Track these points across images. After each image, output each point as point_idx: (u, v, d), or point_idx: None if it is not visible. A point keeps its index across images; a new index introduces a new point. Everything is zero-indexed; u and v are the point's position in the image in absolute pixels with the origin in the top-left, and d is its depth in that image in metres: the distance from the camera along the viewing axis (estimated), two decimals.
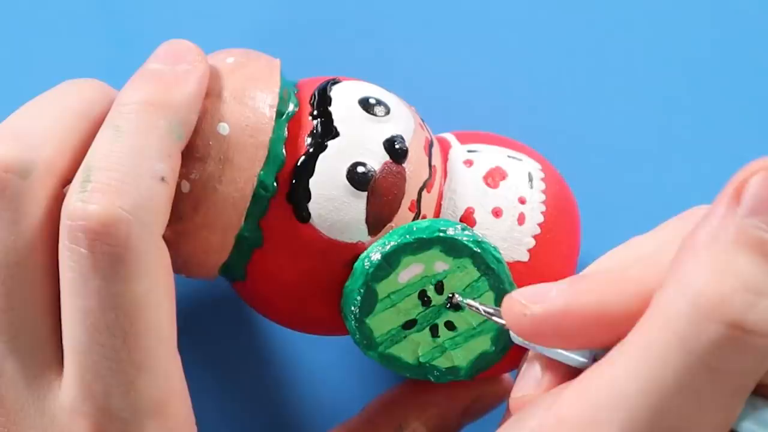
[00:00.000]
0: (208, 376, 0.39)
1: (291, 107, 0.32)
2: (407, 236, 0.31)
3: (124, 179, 0.28)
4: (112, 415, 0.28)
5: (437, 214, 0.32)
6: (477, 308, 0.31)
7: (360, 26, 0.39)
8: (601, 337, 0.27)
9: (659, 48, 0.40)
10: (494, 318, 0.30)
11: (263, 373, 0.39)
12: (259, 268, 0.32)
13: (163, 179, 0.29)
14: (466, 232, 0.31)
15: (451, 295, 0.32)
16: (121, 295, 0.28)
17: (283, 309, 0.33)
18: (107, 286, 0.28)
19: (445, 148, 0.34)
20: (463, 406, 0.35)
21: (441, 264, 0.31)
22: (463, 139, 0.35)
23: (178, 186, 0.31)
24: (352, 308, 0.31)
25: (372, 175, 0.31)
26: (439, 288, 0.32)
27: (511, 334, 0.29)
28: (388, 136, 0.32)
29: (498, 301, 0.31)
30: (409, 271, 0.31)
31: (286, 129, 0.32)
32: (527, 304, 0.28)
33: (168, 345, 0.29)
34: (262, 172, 0.31)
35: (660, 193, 0.40)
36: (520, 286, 0.32)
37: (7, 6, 0.41)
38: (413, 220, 0.32)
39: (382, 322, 0.32)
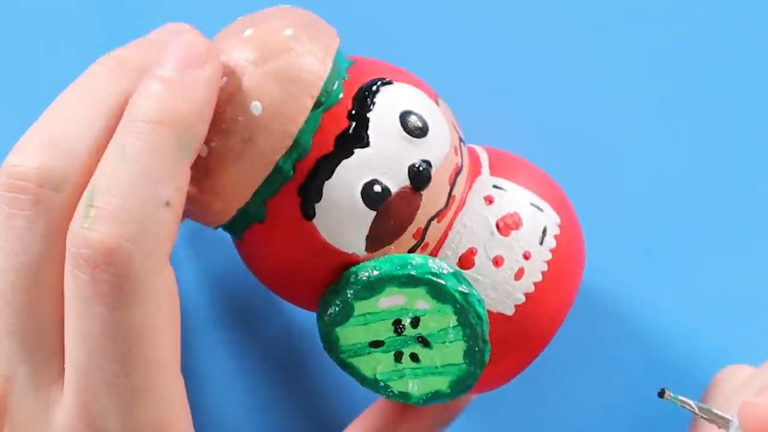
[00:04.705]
0: (219, 376, 0.39)
1: (332, 98, 0.31)
2: (399, 269, 0.31)
3: (126, 206, 0.28)
4: None
5: (441, 242, 0.32)
6: (691, 407, 0.32)
7: (361, 22, 0.38)
8: None
9: (667, 52, 0.40)
10: (714, 421, 0.31)
11: (268, 373, 0.39)
12: (255, 238, 0.32)
13: (168, 204, 0.28)
14: (457, 283, 0.31)
15: (661, 390, 0.32)
16: (120, 322, 0.28)
17: (268, 280, 0.33)
18: (108, 313, 0.28)
19: (474, 173, 0.33)
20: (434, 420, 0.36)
21: (423, 303, 0.31)
22: (495, 165, 0.34)
23: None
24: (327, 313, 0.32)
25: (386, 196, 0.31)
26: (415, 322, 0.32)
27: None
28: (416, 161, 0.31)
29: (467, 352, 0.32)
30: (391, 300, 0.31)
31: (320, 119, 0.31)
32: None
33: (168, 370, 0.29)
34: (281, 159, 0.31)
35: (660, 194, 0.40)
36: (495, 338, 0.32)
37: (7, 5, 0.40)
38: (415, 246, 0.32)
39: (350, 335, 0.32)
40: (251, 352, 0.39)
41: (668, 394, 0.32)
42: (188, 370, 0.38)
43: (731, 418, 0.31)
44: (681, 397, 0.32)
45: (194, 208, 0.32)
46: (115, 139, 0.29)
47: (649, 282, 0.39)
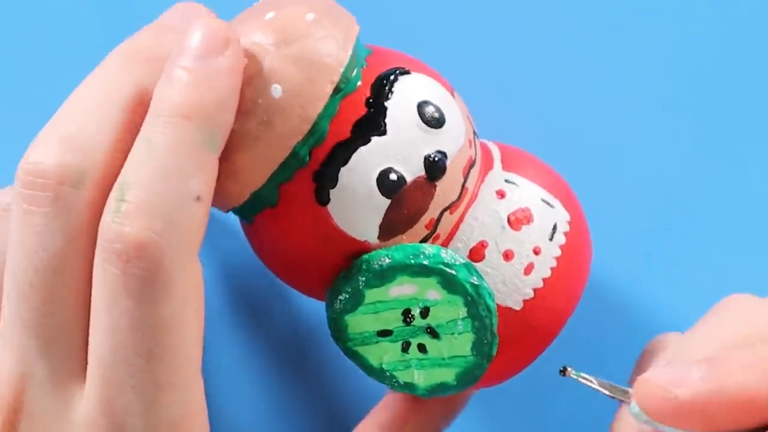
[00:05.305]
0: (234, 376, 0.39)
1: (351, 85, 0.31)
2: (411, 258, 0.31)
3: (157, 201, 0.28)
4: (127, 431, 0.28)
5: (452, 235, 0.32)
6: (592, 383, 0.31)
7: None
8: (747, 420, 0.28)
9: (672, 50, 0.40)
10: (616, 396, 0.31)
11: (275, 373, 0.39)
12: (266, 222, 0.32)
13: (198, 198, 0.28)
14: (469, 274, 0.31)
15: (563, 368, 0.32)
16: (148, 316, 0.28)
17: (276, 266, 0.33)
18: (136, 307, 0.27)
19: (486, 167, 0.33)
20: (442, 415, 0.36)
21: (434, 293, 0.31)
22: (506, 160, 0.34)
23: None
24: (337, 300, 0.32)
25: (401, 185, 0.31)
26: (425, 312, 0.32)
27: (634, 412, 0.30)
28: (432, 151, 0.31)
29: (475, 344, 0.32)
30: (401, 289, 0.31)
31: (338, 106, 0.31)
32: (670, 389, 0.29)
33: (191, 366, 0.29)
34: (298, 144, 0.30)
35: (664, 191, 0.40)
36: (502, 332, 0.32)
37: (7, 5, 0.40)
38: (426, 236, 0.32)
39: (359, 323, 0.32)
40: (260, 347, 0.39)
41: (570, 371, 0.32)
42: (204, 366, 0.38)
43: (632, 392, 0.30)
44: (582, 374, 0.31)
45: None
46: (142, 132, 0.29)
47: (652, 278, 0.39)
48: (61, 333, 0.29)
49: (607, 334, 0.39)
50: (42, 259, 0.29)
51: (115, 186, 0.28)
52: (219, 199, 0.32)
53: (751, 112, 0.40)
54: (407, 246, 0.31)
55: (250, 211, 0.32)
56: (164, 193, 0.28)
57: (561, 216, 0.33)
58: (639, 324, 0.39)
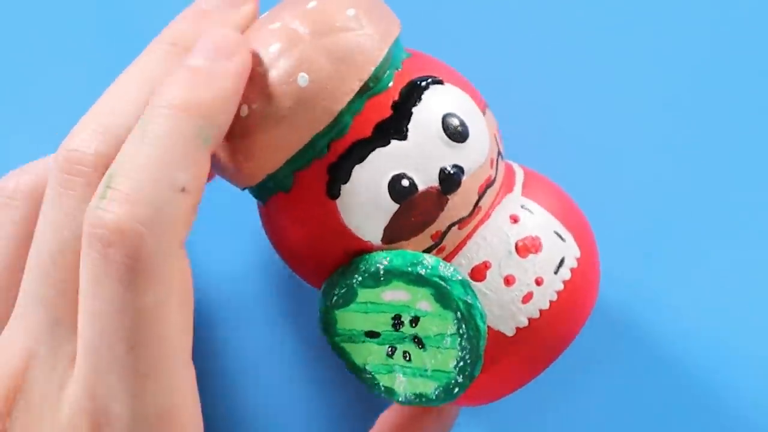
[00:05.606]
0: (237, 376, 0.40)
1: (381, 85, 0.31)
2: (409, 266, 0.31)
3: (142, 189, 0.28)
4: (112, 418, 0.28)
5: (458, 250, 0.32)
6: None
7: None
8: None
9: (673, 54, 0.40)
10: None
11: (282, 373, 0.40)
12: (278, 206, 0.32)
13: (183, 189, 0.29)
14: (464, 292, 0.31)
15: None
16: (130, 302, 0.28)
17: (282, 249, 0.33)
18: (117, 293, 0.28)
19: (506, 190, 0.33)
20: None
21: (426, 304, 0.31)
22: (528, 185, 0.34)
23: (239, 108, 0.31)
24: (330, 293, 0.32)
25: (411, 192, 0.31)
26: (414, 322, 0.32)
27: None
28: (449, 164, 0.31)
29: (459, 362, 0.32)
30: (395, 294, 0.32)
31: (364, 104, 0.31)
32: None
33: (178, 356, 0.29)
34: (318, 135, 0.31)
35: (661, 195, 0.39)
36: (491, 355, 0.32)
37: (6, 4, 0.40)
38: (431, 248, 0.32)
39: (348, 320, 0.32)
40: (279, 347, 0.40)
41: None
42: (212, 368, 0.38)
43: None
44: None
45: (225, 166, 0.32)
46: (139, 123, 0.29)
47: (652, 278, 0.39)
48: (67, 316, 0.29)
49: (607, 333, 0.39)
50: (67, 239, 0.29)
51: (106, 173, 0.29)
52: (235, 176, 0.32)
53: (752, 112, 0.39)
54: (408, 253, 0.31)
55: (264, 192, 0.32)
56: (150, 181, 0.28)
57: (571, 251, 0.33)
58: (639, 324, 0.39)
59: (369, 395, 0.39)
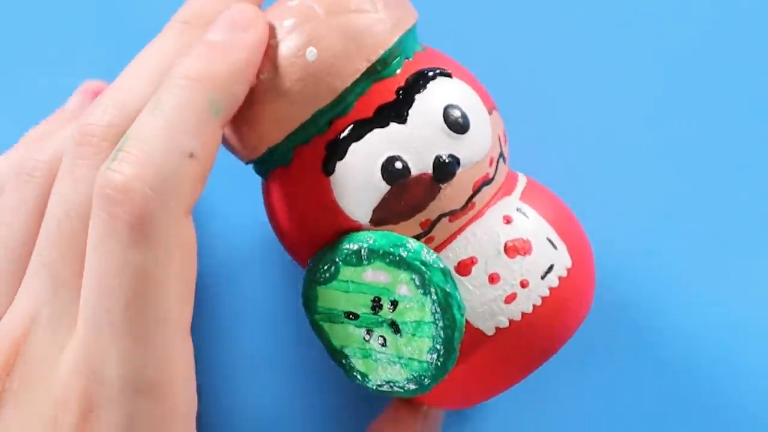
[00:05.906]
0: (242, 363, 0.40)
1: (389, 70, 0.32)
2: (392, 248, 0.31)
3: (151, 153, 0.29)
4: (103, 381, 0.29)
5: (447, 243, 0.32)
6: None
7: None
8: None
9: (673, 54, 0.40)
10: None
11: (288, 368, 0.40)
12: (276, 180, 0.33)
13: (191, 155, 0.29)
14: (444, 280, 0.31)
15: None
16: (129, 262, 0.28)
17: (277, 225, 0.34)
18: (119, 251, 0.28)
19: (504, 192, 0.33)
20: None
21: (405, 289, 0.31)
22: (528, 193, 0.34)
23: None
24: (314, 269, 0.32)
25: (404, 175, 0.31)
26: (393, 306, 0.32)
27: None
28: (445, 153, 0.31)
29: (431, 352, 0.31)
30: (376, 275, 0.32)
31: (370, 87, 0.31)
32: None
33: (173, 325, 0.29)
34: (319, 111, 0.31)
35: (661, 195, 0.39)
36: (467, 353, 0.32)
37: (6, 4, 0.41)
38: (419, 236, 0.32)
39: (329, 298, 0.32)
40: (284, 341, 0.40)
41: None
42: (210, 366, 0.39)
43: None
44: None
45: (230, 136, 0.33)
46: (155, 93, 0.30)
47: (652, 278, 0.39)
48: (71, 280, 0.30)
49: (606, 334, 0.38)
50: (74, 204, 0.30)
51: (121, 140, 0.30)
52: (239, 147, 0.33)
53: (751, 112, 0.39)
54: (392, 235, 0.31)
55: (264, 167, 0.33)
56: (160, 147, 0.29)
57: (561, 260, 0.33)
58: (639, 324, 0.38)
59: (367, 397, 0.39)
